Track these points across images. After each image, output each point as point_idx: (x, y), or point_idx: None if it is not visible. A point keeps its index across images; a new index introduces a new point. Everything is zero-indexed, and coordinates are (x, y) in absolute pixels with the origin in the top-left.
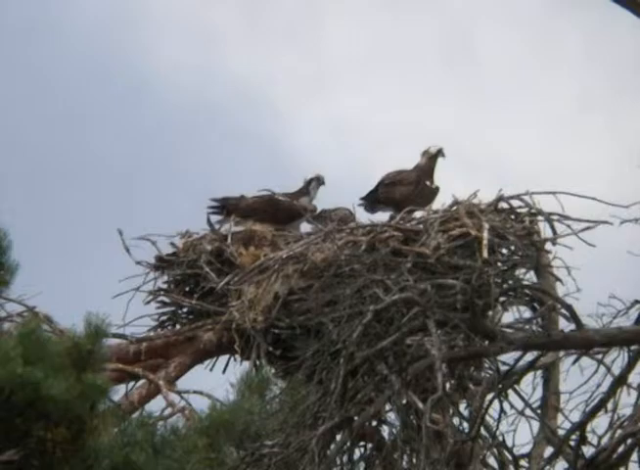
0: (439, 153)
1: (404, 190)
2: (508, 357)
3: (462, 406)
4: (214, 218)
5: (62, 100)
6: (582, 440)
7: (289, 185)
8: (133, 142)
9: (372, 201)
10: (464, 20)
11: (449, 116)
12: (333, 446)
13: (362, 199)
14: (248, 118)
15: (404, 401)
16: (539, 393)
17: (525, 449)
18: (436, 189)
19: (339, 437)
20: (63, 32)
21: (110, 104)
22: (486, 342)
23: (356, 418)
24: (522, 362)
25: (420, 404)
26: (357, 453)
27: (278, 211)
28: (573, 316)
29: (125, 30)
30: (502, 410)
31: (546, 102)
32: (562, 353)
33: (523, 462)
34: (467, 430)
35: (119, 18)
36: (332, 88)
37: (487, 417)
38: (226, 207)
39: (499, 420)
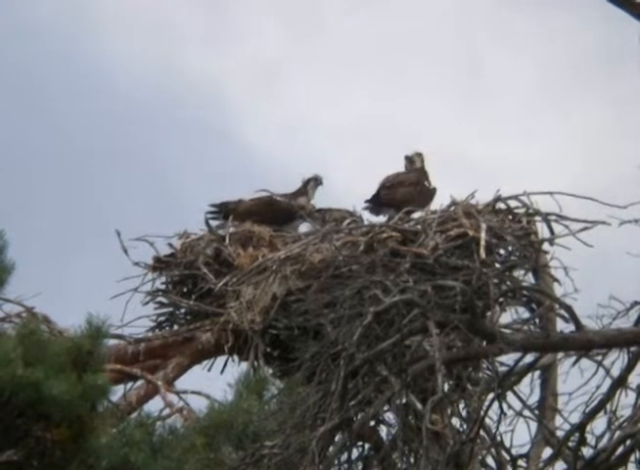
0: (420, 156)
1: (405, 191)
2: (506, 359)
3: (460, 407)
4: (213, 223)
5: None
6: (582, 441)
7: (248, 178)
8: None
9: (376, 204)
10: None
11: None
12: (332, 447)
13: (367, 202)
14: (205, 113)
15: (404, 402)
16: (537, 394)
17: (523, 450)
18: (434, 190)
19: (338, 437)
20: (24, 30)
21: (74, 97)
22: (486, 343)
23: (356, 419)
24: (520, 363)
25: (418, 405)
26: (355, 453)
27: (276, 213)
28: (573, 317)
29: (85, 26)
30: (502, 411)
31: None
32: (561, 355)
33: (521, 462)
34: (465, 430)
35: (80, 12)
36: (290, 84)
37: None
38: (225, 211)
39: (499, 421)
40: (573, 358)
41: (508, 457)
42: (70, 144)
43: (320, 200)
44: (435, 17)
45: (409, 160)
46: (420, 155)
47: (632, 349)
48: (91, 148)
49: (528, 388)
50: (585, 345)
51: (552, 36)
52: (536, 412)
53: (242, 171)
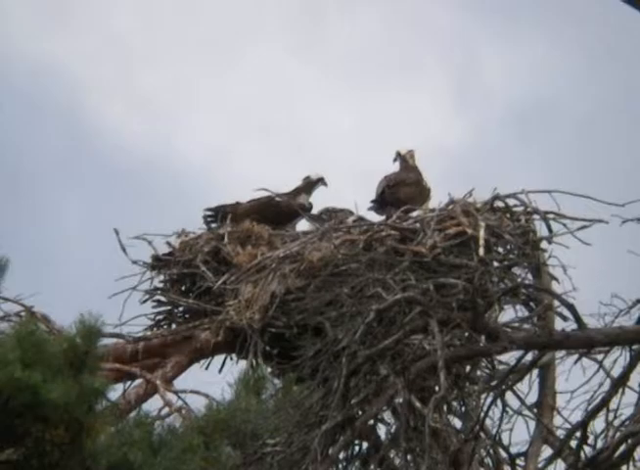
0: (412, 155)
1: (408, 190)
2: (504, 357)
3: (459, 406)
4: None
5: None
6: (584, 439)
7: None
8: None
9: (381, 203)
10: None
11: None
12: (334, 446)
13: (372, 202)
14: (51, 94)
15: (406, 401)
16: (535, 392)
17: (521, 448)
18: (430, 190)
19: (338, 435)
20: None
21: None
22: (488, 341)
23: (358, 417)
24: (520, 362)
25: (417, 404)
26: (352, 451)
27: (277, 213)
28: (575, 316)
29: None
30: (504, 410)
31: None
32: (563, 353)
33: (519, 461)
34: (464, 429)
35: None
36: (138, 66)
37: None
38: (222, 214)
39: (501, 420)
40: (575, 356)
41: (506, 456)
42: None
43: (317, 199)
44: None
45: (402, 158)
46: (412, 153)
47: (634, 347)
48: None
49: (527, 386)
50: (587, 343)
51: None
52: (535, 411)
53: (85, 149)
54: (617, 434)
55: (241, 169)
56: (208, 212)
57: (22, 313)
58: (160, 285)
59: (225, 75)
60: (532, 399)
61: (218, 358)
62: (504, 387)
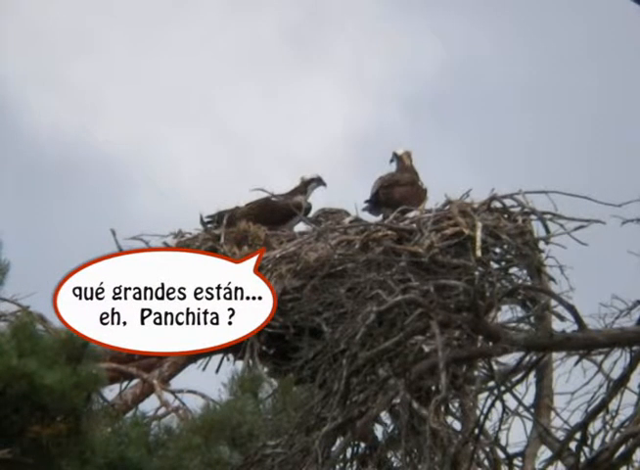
0: (409, 155)
1: (402, 190)
2: (504, 358)
3: (456, 406)
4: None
5: None
6: (584, 440)
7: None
8: None
9: (375, 203)
10: None
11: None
12: (335, 447)
13: (366, 202)
14: None
15: (407, 402)
16: (532, 392)
17: (519, 449)
18: (426, 190)
19: (339, 437)
20: None
21: None
22: (489, 342)
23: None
24: (515, 363)
25: (415, 405)
26: (350, 452)
27: (274, 213)
28: (576, 317)
29: None
30: (504, 411)
31: None
32: (562, 354)
33: (516, 462)
34: (462, 430)
35: None
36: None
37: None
38: (222, 220)
39: (501, 421)
40: (575, 358)
41: (503, 456)
42: None
43: (317, 198)
44: None
45: (399, 158)
46: (409, 154)
47: (634, 348)
48: None
49: (524, 387)
50: (588, 344)
51: None
52: (532, 411)
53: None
54: (617, 435)
55: (167, 159)
56: (208, 219)
57: (19, 313)
58: None
59: (148, 64)
60: (530, 399)
61: (215, 358)
62: (504, 388)
